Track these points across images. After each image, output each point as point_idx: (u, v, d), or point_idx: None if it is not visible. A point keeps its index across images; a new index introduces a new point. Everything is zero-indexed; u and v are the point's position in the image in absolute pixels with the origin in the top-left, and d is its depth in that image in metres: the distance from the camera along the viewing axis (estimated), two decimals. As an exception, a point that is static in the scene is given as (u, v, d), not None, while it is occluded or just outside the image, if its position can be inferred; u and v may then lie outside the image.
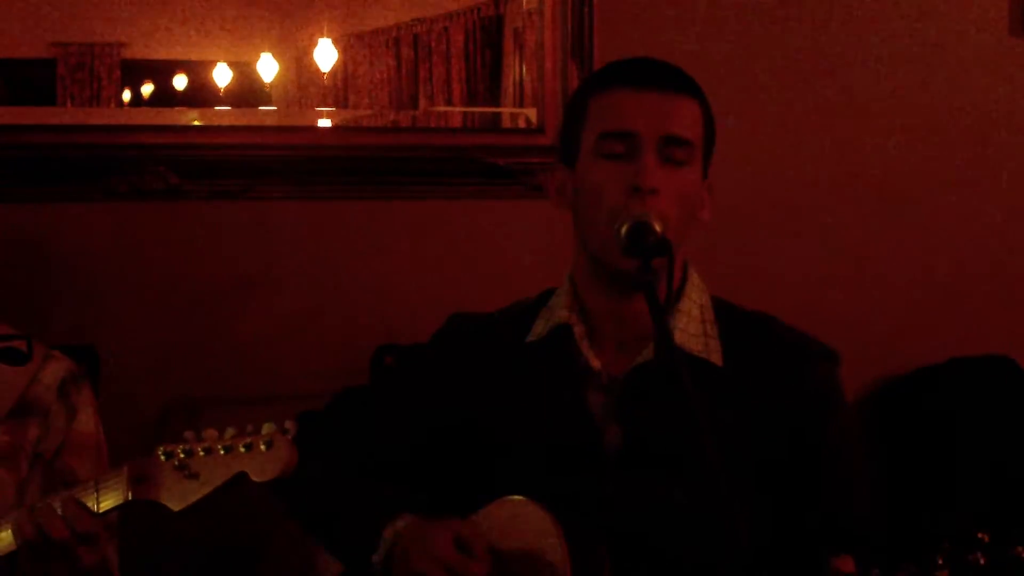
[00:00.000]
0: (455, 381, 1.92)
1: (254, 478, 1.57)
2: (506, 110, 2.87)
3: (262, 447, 1.57)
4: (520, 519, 1.73)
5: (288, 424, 1.59)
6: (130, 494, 1.63)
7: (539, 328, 1.90)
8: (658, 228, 1.71)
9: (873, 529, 1.84)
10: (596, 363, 1.85)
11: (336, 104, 2.82)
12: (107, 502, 1.65)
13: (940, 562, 1.44)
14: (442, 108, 2.87)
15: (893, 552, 1.62)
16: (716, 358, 1.84)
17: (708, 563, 1.69)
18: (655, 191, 1.75)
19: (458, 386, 1.91)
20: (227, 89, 2.75)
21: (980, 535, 1.45)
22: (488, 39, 2.86)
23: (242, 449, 1.57)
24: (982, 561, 1.41)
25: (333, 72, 2.80)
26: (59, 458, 1.96)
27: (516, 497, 1.75)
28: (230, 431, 1.59)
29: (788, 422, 1.82)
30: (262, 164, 2.68)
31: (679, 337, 1.82)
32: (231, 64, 2.74)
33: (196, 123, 2.73)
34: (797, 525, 1.81)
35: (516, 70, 2.85)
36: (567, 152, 1.88)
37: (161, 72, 2.74)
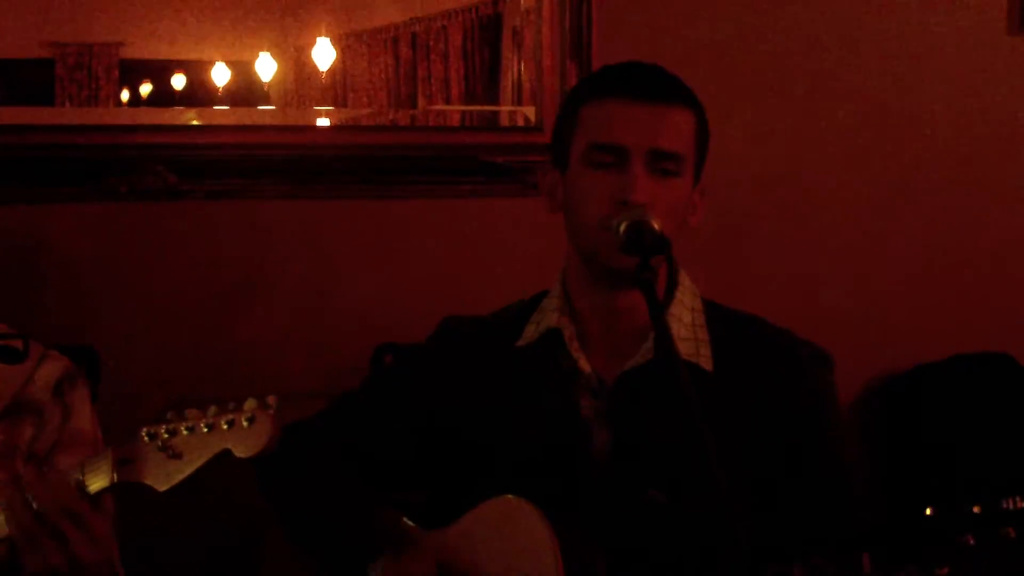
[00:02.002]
0: (448, 383, 1.92)
1: (237, 454, 1.56)
2: (504, 109, 2.87)
3: (244, 423, 1.56)
4: (512, 518, 1.73)
5: (270, 399, 1.58)
6: (115, 476, 1.62)
7: (530, 332, 1.90)
8: (656, 226, 1.72)
9: (865, 530, 1.84)
10: (586, 367, 1.84)
11: (334, 103, 2.82)
12: (93, 485, 1.65)
13: (939, 561, 1.44)
14: (440, 107, 2.87)
15: (892, 551, 1.62)
16: (706, 363, 1.83)
17: (700, 565, 1.70)
18: (645, 205, 1.74)
19: (451, 388, 1.91)
20: (225, 88, 2.75)
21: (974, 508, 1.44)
22: (486, 38, 2.86)
23: (224, 426, 1.56)
24: (971, 541, 1.40)
25: (331, 71, 2.80)
26: (54, 455, 1.96)
27: (508, 496, 1.75)
28: (212, 409, 1.59)
29: (779, 425, 1.82)
30: (261, 163, 2.68)
31: None
32: (229, 64, 2.74)
33: (194, 123, 2.73)
34: (788, 527, 1.81)
35: (514, 69, 2.85)
36: (559, 156, 1.88)
37: (159, 72, 2.74)
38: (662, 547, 1.77)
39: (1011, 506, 1.42)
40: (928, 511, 1.43)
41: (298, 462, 1.90)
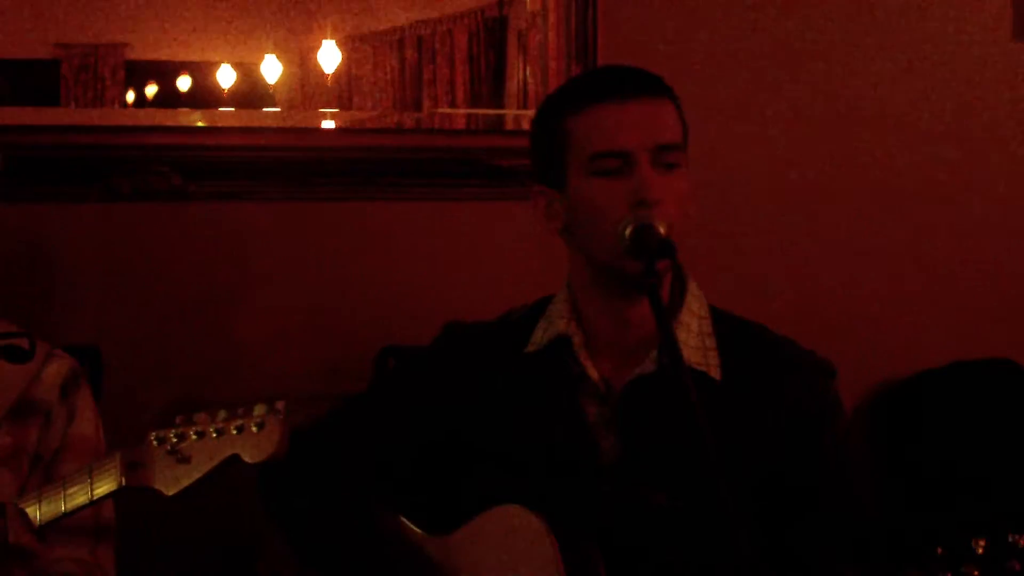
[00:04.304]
0: (454, 389, 1.91)
1: (246, 460, 1.56)
2: (510, 112, 2.87)
3: (253, 429, 1.56)
4: (515, 527, 1.74)
5: (279, 404, 1.58)
6: (123, 480, 1.62)
7: (538, 338, 1.90)
8: (662, 230, 1.72)
9: (871, 540, 1.84)
10: (594, 373, 1.84)
11: (340, 106, 2.82)
12: (101, 489, 1.65)
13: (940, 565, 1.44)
14: (446, 110, 2.87)
15: (894, 558, 1.62)
16: (714, 372, 1.83)
17: (705, 572, 1.70)
18: (659, 201, 1.75)
19: (457, 394, 1.91)
20: (231, 90, 2.75)
21: (975, 543, 1.45)
22: (492, 41, 2.86)
23: (234, 431, 1.56)
24: (976, 574, 1.42)
25: (337, 74, 2.80)
26: (58, 461, 1.96)
27: (511, 506, 1.75)
28: (222, 413, 1.59)
29: (786, 435, 1.82)
30: (265, 165, 2.68)
31: None
32: (235, 65, 2.74)
33: (200, 124, 2.73)
34: (795, 537, 1.81)
35: (520, 72, 2.85)
36: (550, 174, 1.85)
37: (165, 73, 2.74)
38: (667, 554, 1.77)
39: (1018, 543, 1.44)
40: (939, 550, 1.45)
41: (301, 474, 1.89)
